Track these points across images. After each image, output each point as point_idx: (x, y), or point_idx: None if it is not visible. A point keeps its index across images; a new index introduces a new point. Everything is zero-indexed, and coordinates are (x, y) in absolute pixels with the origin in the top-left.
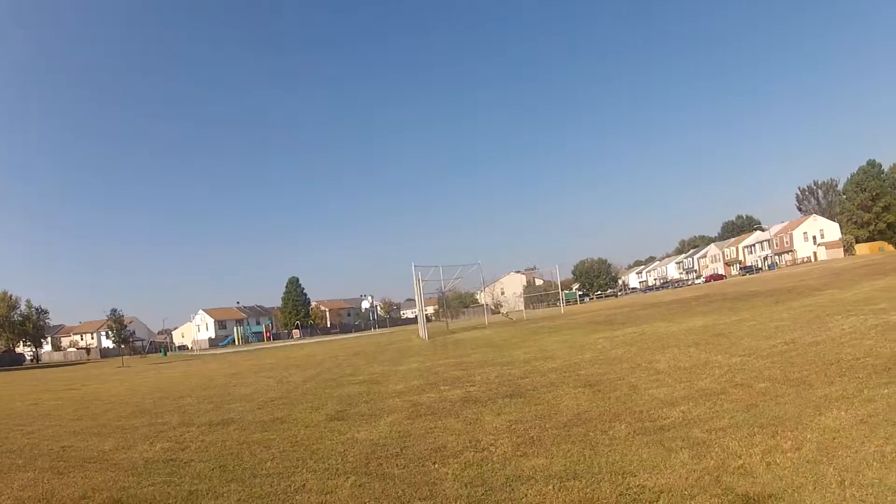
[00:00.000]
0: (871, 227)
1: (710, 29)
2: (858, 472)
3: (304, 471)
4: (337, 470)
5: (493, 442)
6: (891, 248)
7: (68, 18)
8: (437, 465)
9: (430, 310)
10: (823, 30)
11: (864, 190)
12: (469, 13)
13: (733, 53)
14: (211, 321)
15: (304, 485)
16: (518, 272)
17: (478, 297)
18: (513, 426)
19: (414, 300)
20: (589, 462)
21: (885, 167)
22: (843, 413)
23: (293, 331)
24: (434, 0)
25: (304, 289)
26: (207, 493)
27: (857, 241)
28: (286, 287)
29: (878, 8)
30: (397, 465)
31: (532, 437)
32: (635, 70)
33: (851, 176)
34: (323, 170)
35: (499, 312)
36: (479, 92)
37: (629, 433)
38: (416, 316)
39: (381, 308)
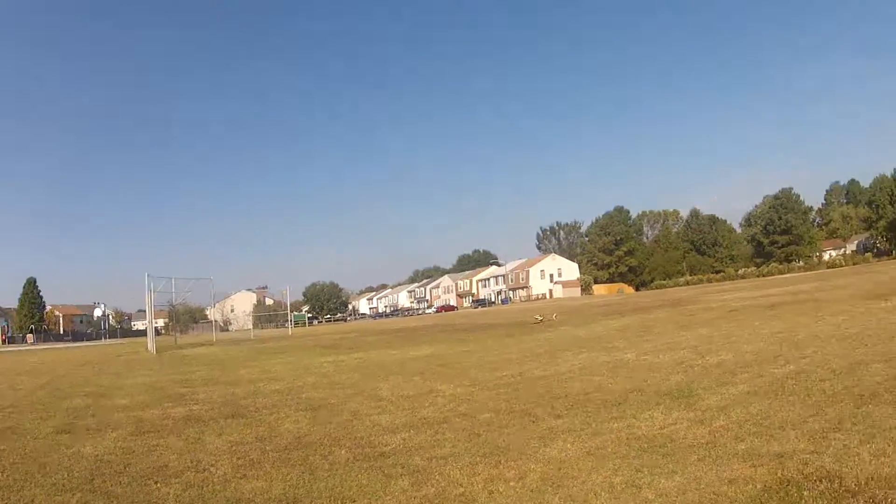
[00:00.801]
0: (612, 270)
1: (458, 72)
2: (585, 502)
3: (33, 485)
4: (63, 486)
5: (213, 462)
6: (630, 290)
7: None
8: (159, 485)
9: (161, 322)
10: (576, 77)
11: (609, 234)
12: None
13: (479, 95)
14: None
15: (32, 500)
16: (249, 290)
17: (207, 312)
18: (234, 447)
19: (145, 311)
20: (308, 486)
21: (633, 214)
22: (569, 445)
23: (27, 335)
24: None
25: (40, 291)
26: None
27: (597, 282)
28: (23, 288)
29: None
30: (121, 482)
31: (252, 459)
32: (377, 104)
33: (596, 220)
34: (60, 169)
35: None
36: (201, 106)
37: (349, 459)
38: (146, 328)
39: (113, 318)
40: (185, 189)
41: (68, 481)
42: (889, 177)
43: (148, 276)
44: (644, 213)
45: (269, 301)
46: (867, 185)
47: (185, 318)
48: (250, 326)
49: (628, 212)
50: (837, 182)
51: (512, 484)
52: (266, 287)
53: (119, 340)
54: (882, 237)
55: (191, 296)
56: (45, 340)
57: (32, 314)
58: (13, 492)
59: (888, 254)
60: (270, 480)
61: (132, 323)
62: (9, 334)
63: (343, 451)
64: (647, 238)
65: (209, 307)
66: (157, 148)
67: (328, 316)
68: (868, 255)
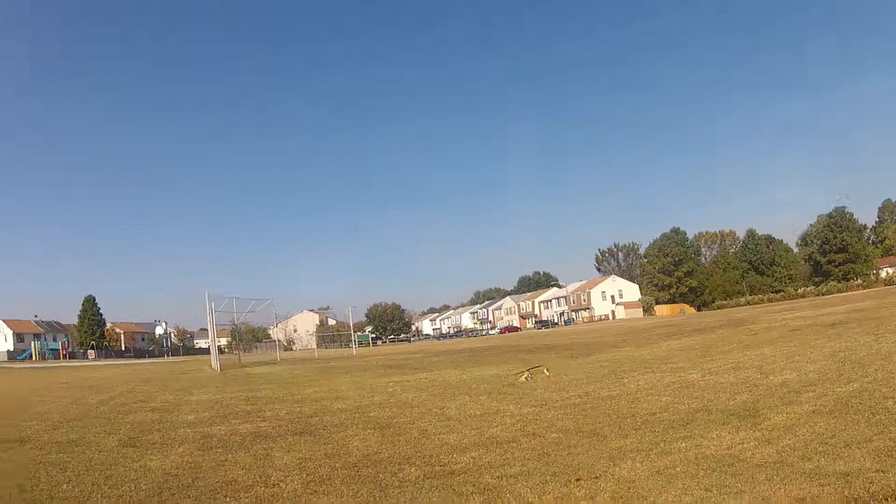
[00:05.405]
0: (673, 290)
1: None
2: None
3: (99, 496)
4: (130, 498)
5: (283, 478)
6: (692, 310)
7: None
8: (228, 499)
9: (224, 341)
10: (614, 101)
11: (667, 255)
12: None
13: (539, 117)
14: (10, 332)
15: None
16: (312, 311)
17: (270, 332)
18: (303, 464)
19: (207, 330)
20: (380, 503)
21: (690, 235)
22: (638, 464)
23: (89, 351)
24: None
25: (100, 308)
26: None
27: (658, 303)
28: (82, 305)
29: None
30: (189, 496)
31: (322, 475)
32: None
33: (654, 241)
34: (119, 192)
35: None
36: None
37: (419, 476)
38: (209, 346)
39: (175, 335)
40: (244, 210)
41: (135, 493)
42: None
43: (208, 295)
44: (700, 234)
45: (331, 321)
46: None
47: (247, 338)
48: (314, 346)
49: (685, 233)
50: (889, 199)
51: (583, 503)
52: (328, 307)
53: (182, 358)
54: None
55: (253, 316)
56: (107, 357)
57: (93, 331)
58: (80, 502)
59: None
60: (341, 496)
61: (194, 341)
62: (69, 350)
63: (413, 469)
64: (705, 259)
65: (272, 327)
66: (217, 172)
67: (391, 336)
68: None
